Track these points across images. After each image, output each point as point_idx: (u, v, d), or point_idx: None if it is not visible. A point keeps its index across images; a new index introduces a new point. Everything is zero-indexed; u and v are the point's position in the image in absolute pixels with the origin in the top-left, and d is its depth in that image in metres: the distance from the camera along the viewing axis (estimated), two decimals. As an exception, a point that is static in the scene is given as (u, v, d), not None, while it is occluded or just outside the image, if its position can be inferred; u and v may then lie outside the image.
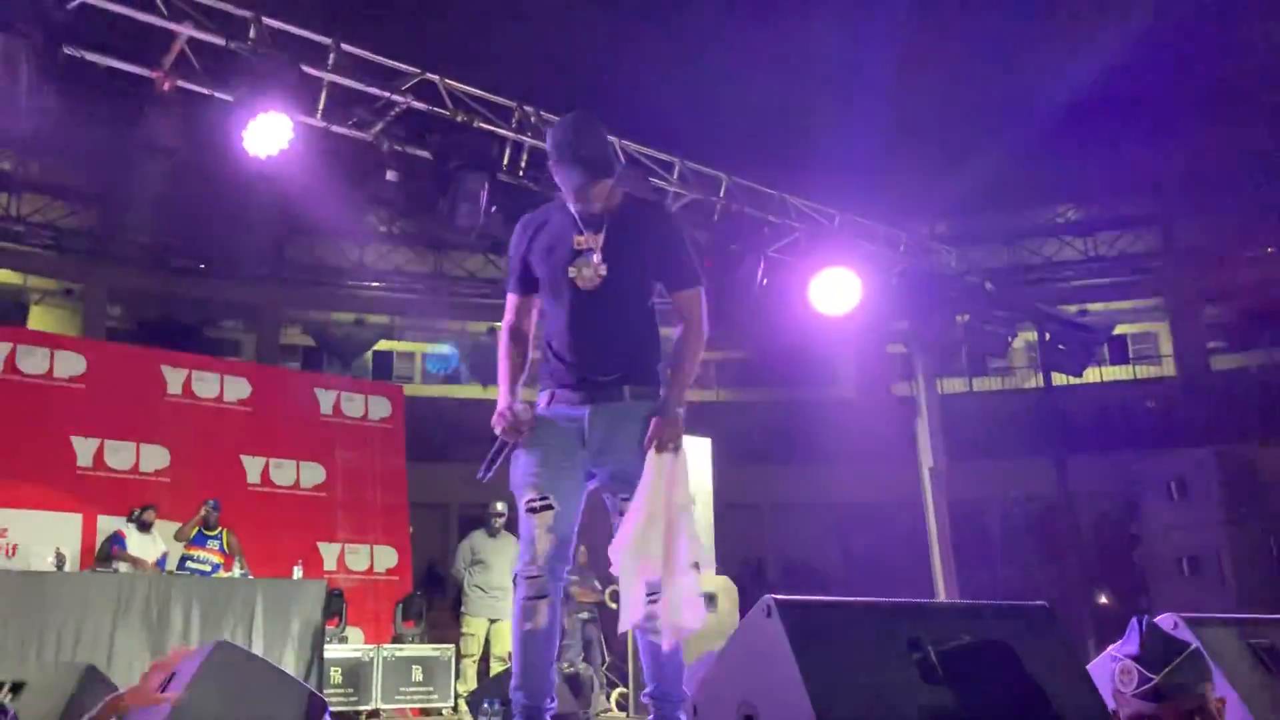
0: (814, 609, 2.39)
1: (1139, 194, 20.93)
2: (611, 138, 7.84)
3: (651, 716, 3.16)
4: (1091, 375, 18.12)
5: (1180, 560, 11.62)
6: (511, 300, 3.41)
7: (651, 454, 3.10)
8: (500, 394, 3.29)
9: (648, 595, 3.02)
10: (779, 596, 2.37)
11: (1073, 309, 19.38)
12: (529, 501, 3.17)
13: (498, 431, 3.21)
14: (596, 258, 3.21)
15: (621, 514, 3.18)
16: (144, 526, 8.78)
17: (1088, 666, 2.63)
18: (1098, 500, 16.45)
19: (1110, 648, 2.52)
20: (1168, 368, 22.03)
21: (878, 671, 2.23)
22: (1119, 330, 22.32)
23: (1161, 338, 22.68)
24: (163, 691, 2.90)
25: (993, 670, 2.36)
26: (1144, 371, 22.41)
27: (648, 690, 3.17)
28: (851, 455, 17.59)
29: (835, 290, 9.18)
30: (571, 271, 3.22)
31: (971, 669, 2.30)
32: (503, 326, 3.42)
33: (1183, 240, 20.99)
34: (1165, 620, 3.09)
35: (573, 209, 3.30)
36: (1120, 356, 22.28)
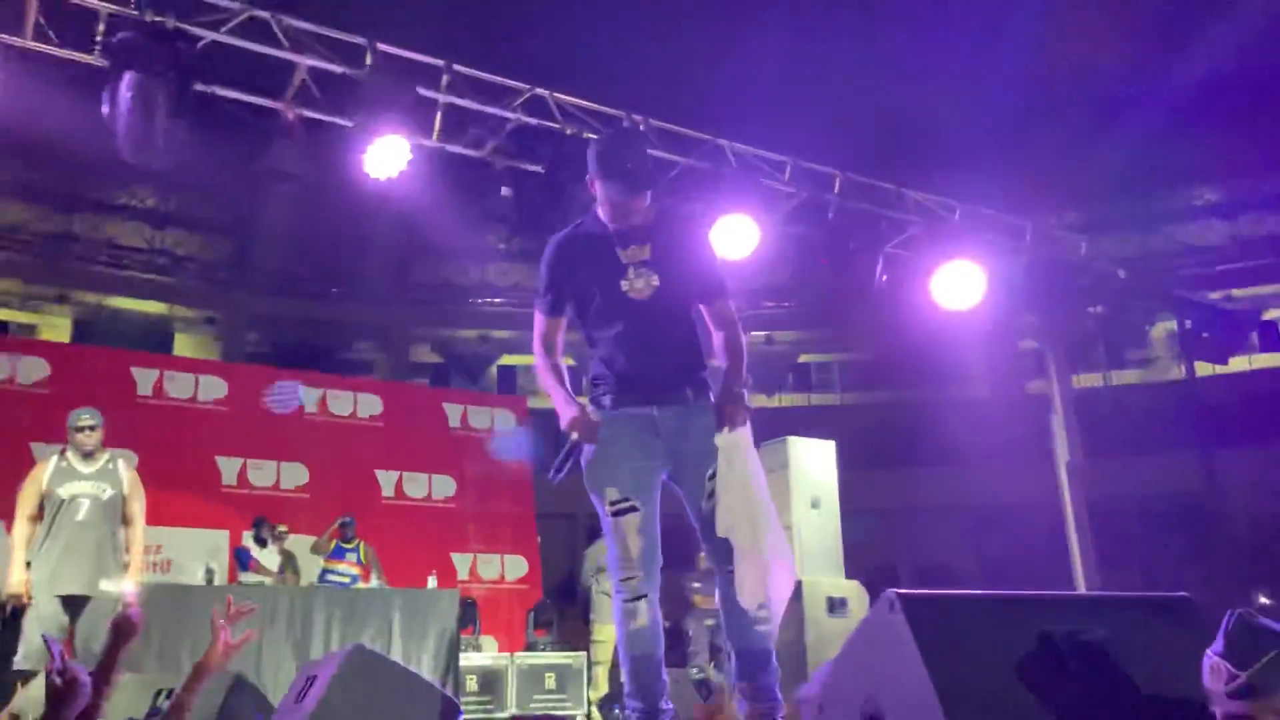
0: (939, 603, 2.32)
1: (1283, 171, 19.79)
2: (721, 141, 7.87)
3: (743, 698, 3.18)
4: (1239, 364, 17.21)
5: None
6: (543, 320, 3.42)
7: (723, 436, 3.12)
8: (562, 400, 3.30)
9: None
10: (902, 591, 2.31)
11: (1216, 295, 18.48)
12: (613, 504, 3.21)
13: (574, 436, 3.22)
14: (647, 269, 3.29)
15: (698, 497, 3.22)
16: (261, 542, 9.12)
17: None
18: (1250, 494, 15.59)
19: None
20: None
21: (1006, 666, 2.15)
22: (1268, 315, 21.16)
23: (1316, 321, 21.40)
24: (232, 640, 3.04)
25: (1129, 665, 2.25)
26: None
27: (739, 685, 3.19)
28: (985, 455, 17.10)
29: (958, 284, 8.91)
30: (624, 285, 3.28)
31: (1106, 663, 2.20)
32: (536, 346, 3.42)
33: (1335, 217, 19.79)
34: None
35: (610, 224, 3.35)
36: (1271, 343, 21.09)
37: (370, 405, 11.78)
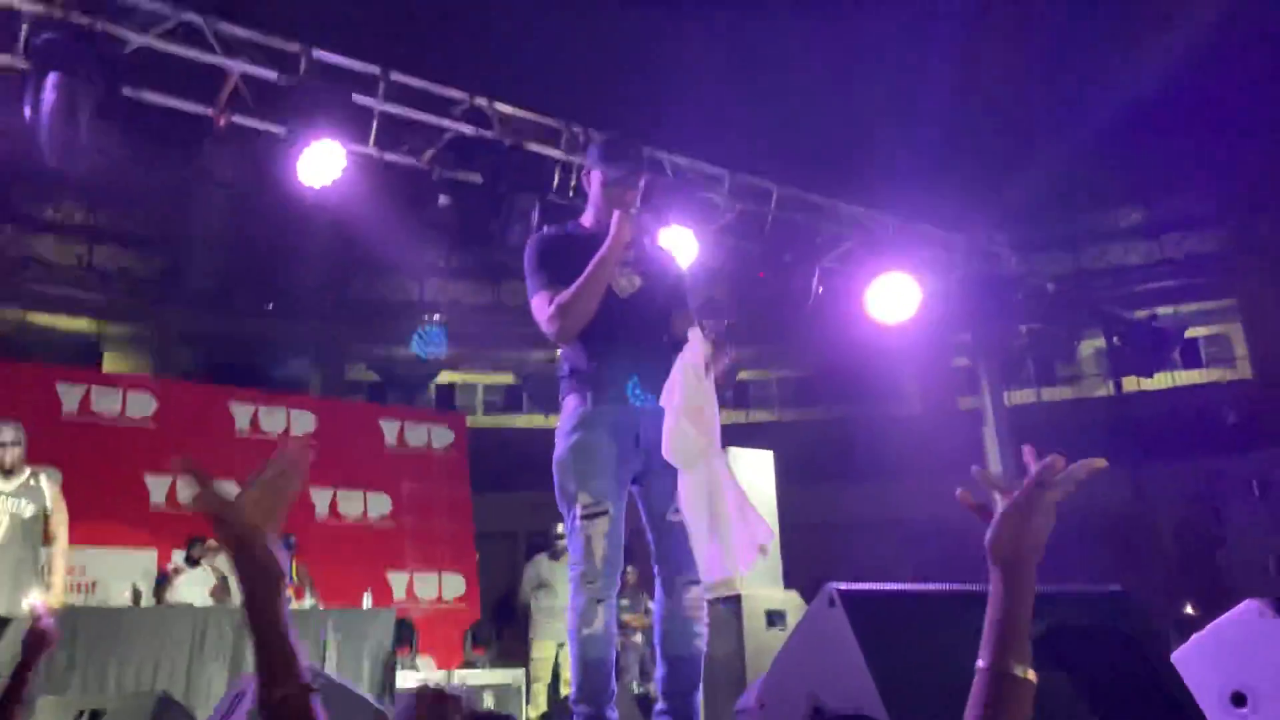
0: (877, 597, 2.33)
1: (1206, 193, 20.40)
2: (660, 153, 7.88)
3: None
4: (1164, 380, 17.64)
5: (1267, 560, 11.28)
6: (545, 293, 3.38)
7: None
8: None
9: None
10: (841, 586, 2.31)
11: (1142, 314, 18.92)
12: (584, 508, 3.18)
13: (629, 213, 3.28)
14: (630, 269, 3.40)
15: (661, 504, 3.27)
16: (193, 562, 8.88)
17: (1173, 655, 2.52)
18: (1177, 506, 15.97)
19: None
20: (1243, 369, 21.40)
21: (945, 659, 2.15)
22: (1191, 333, 21.75)
23: (1235, 339, 22.05)
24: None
25: (1065, 657, 2.26)
26: (1219, 374, 21.79)
27: (660, 708, 3.21)
28: (919, 471, 17.28)
29: (893, 297, 9.02)
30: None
31: (1042, 656, 2.21)
32: (553, 303, 3.35)
33: (1254, 238, 20.41)
34: (1249, 608, 2.97)
35: (601, 218, 3.46)
36: (1193, 360, 21.69)
37: (304, 422, 11.58)
